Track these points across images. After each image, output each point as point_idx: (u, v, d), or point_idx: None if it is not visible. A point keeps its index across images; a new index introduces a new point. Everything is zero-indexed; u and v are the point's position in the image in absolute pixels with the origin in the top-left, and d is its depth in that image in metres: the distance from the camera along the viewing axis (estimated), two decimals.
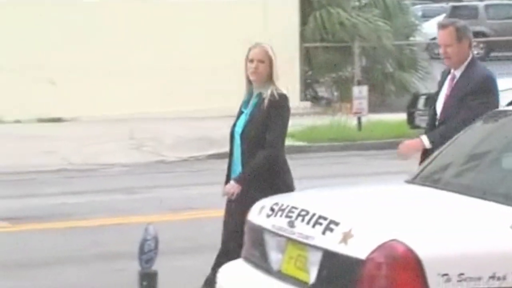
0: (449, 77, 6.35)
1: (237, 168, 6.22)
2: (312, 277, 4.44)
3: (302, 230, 4.53)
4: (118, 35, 18.95)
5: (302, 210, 4.64)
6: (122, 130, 17.11)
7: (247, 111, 6.22)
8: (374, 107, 18.59)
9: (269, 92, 6.10)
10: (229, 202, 6.18)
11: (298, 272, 4.55)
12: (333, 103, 21.04)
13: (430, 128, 6.40)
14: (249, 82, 6.22)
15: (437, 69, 22.36)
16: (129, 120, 17.99)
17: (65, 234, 9.63)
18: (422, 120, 13.93)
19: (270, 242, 4.79)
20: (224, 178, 6.32)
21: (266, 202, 4.99)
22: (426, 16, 31.32)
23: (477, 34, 29.39)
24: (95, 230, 9.76)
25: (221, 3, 19.66)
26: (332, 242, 4.32)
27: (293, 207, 4.73)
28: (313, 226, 4.48)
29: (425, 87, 19.77)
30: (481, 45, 30.64)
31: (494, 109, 5.94)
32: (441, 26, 6.32)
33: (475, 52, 31.07)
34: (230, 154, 6.33)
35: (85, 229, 9.84)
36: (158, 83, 19.10)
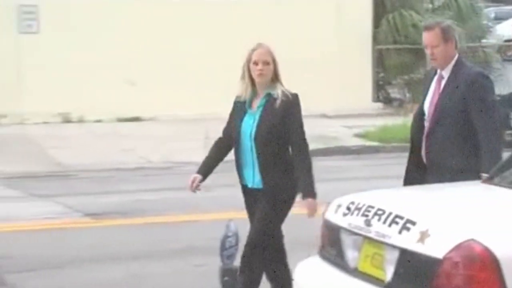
0: (436, 77, 6.17)
1: (249, 172, 6.07)
2: (388, 275, 4.41)
3: (378, 229, 4.51)
4: (195, 36, 19.04)
5: (379, 209, 4.61)
6: (197, 130, 17.21)
7: (254, 112, 6.03)
8: None
9: (279, 92, 5.97)
10: (247, 194, 6.15)
11: (374, 270, 4.53)
12: (405, 104, 20.90)
13: (417, 128, 6.17)
14: (251, 83, 6.05)
15: (510, 71, 22.11)
16: (205, 119, 18.06)
17: (143, 230, 9.72)
18: None
19: (347, 240, 4.77)
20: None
21: (343, 201, 4.97)
22: (499, 18, 30.85)
23: None
24: (172, 226, 9.84)
25: (294, 4, 19.63)
26: (409, 241, 4.28)
27: (369, 206, 4.70)
28: (390, 225, 4.45)
29: (498, 89, 19.39)
30: None
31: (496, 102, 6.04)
32: (427, 27, 6.15)
33: None
34: (238, 156, 6.11)
35: (162, 225, 9.92)
36: (233, 82, 19.14)
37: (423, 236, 4.21)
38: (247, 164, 6.04)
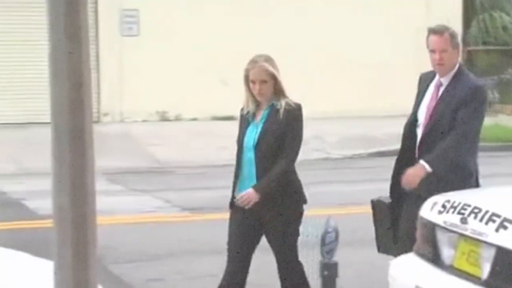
0: (434, 84, 5.84)
1: (249, 183, 5.62)
2: (484, 273, 4.33)
3: (475, 226, 4.43)
4: (284, 36, 19.03)
5: (475, 207, 4.53)
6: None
7: (257, 122, 5.64)
8: None
9: (283, 102, 5.57)
10: (236, 210, 5.68)
11: (471, 267, 4.45)
12: (494, 105, 20.56)
13: (409, 135, 5.86)
14: (252, 97, 5.67)
15: None
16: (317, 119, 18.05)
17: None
18: None
19: (442, 238, 4.69)
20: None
21: (438, 199, 4.89)
22: None
23: None
24: None
25: (382, 7, 19.44)
26: (506, 240, 4.19)
27: (465, 204, 4.62)
28: (486, 223, 4.37)
29: None
30: None
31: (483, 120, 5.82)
32: (437, 31, 5.77)
33: None
34: (238, 168, 5.72)
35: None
36: (324, 81, 19.07)
37: None
38: (246, 177, 5.65)
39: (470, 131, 5.70)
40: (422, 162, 5.59)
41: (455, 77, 5.75)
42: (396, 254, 5.49)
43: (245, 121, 5.69)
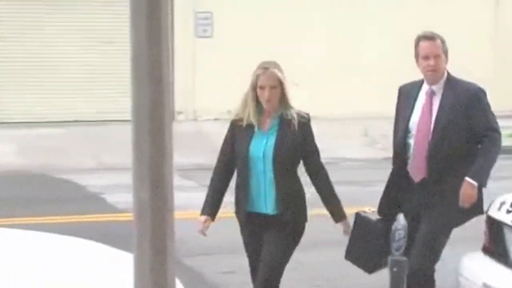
0: (424, 93, 5.58)
1: (260, 197, 5.32)
2: None
3: None
4: (351, 40, 18.91)
5: None
6: (357, 128, 17.11)
7: (266, 133, 5.30)
8: None
9: (293, 113, 5.30)
10: (249, 224, 5.46)
11: None
12: None
13: (402, 147, 5.60)
14: (257, 106, 5.32)
15: None
16: (364, 118, 17.94)
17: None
18: None
19: (510, 237, 4.59)
20: None
21: (507, 198, 4.79)
22: None
23: None
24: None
25: (451, 8, 19.18)
26: None
27: None
28: None
29: None
30: None
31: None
32: (429, 37, 5.54)
33: None
34: (244, 180, 5.34)
35: (321, 218, 9.86)
36: (390, 81, 18.90)
37: None
38: (257, 189, 5.33)
39: (496, 132, 5.50)
40: (468, 180, 5.35)
41: (447, 83, 5.54)
42: (369, 267, 5.49)
43: (244, 132, 5.30)
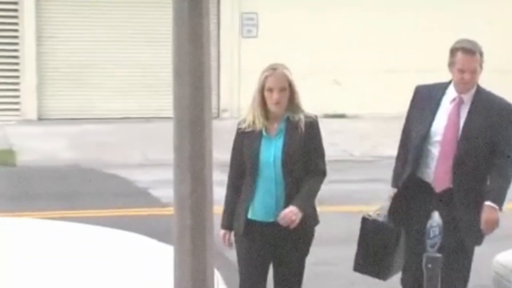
0: (450, 100, 5.26)
1: (270, 204, 4.91)
2: None
3: None
4: (392, 32, 18.79)
5: None
6: (397, 127, 17.00)
7: (273, 137, 4.92)
8: None
9: (301, 115, 4.90)
10: (250, 237, 4.95)
11: None
12: None
13: (418, 150, 5.26)
14: (264, 109, 4.92)
15: None
16: (404, 117, 17.83)
17: (339, 217, 9.68)
18: None
19: None
20: None
21: None
22: None
23: None
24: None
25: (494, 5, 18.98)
26: None
27: None
28: None
29: None
30: None
31: None
32: (469, 51, 5.18)
33: None
34: (254, 190, 4.94)
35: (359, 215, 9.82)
36: (431, 80, 18.76)
37: None
38: (267, 196, 4.93)
39: None
40: (489, 204, 5.07)
41: (477, 94, 5.23)
42: (384, 273, 5.26)
43: (252, 137, 4.93)
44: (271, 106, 4.86)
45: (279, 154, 4.85)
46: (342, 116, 18.97)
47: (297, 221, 4.74)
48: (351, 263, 7.39)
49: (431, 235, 4.06)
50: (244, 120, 5.00)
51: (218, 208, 10.55)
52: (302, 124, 4.84)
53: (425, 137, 5.22)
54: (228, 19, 18.51)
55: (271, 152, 4.88)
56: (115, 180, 12.19)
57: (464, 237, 5.04)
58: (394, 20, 18.87)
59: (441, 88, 5.35)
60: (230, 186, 5.14)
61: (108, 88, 17.93)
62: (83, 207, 9.95)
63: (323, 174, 4.95)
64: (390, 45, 18.86)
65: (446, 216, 4.74)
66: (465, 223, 5.05)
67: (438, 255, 4.11)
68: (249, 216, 4.92)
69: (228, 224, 5.08)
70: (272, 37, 18.45)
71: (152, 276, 4.10)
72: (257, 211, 4.92)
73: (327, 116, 18.63)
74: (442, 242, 4.46)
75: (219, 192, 11.37)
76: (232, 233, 5.02)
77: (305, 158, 4.85)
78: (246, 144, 4.95)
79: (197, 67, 2.46)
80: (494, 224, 5.06)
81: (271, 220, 4.86)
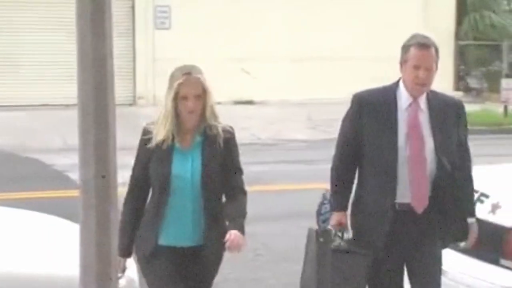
0: (407, 105, 4.25)
1: (187, 227, 4.02)
2: None
3: None
4: (303, 23, 18.96)
5: None
6: (301, 112, 17.20)
7: (188, 151, 4.06)
8: None
9: (219, 128, 4.07)
10: (161, 259, 4.03)
11: None
12: (483, 93, 20.50)
13: (393, 171, 4.17)
14: (176, 118, 4.06)
15: None
16: (308, 103, 18.06)
17: (254, 197, 9.75)
18: None
19: None
20: None
21: None
22: None
23: None
24: (279, 194, 9.86)
25: (384, 5, 19.32)
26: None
27: None
28: None
29: None
30: None
31: None
32: (424, 45, 4.23)
33: None
34: (161, 209, 4.01)
35: (269, 193, 9.95)
36: (331, 71, 19.02)
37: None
38: (183, 218, 4.03)
39: (469, 150, 4.47)
40: (473, 221, 4.30)
41: (429, 95, 4.31)
42: None
43: (160, 149, 4.03)
44: (185, 116, 4.03)
45: (197, 169, 4.02)
46: (250, 102, 19.08)
47: (244, 246, 4.00)
48: (263, 238, 7.49)
49: (323, 211, 4.12)
50: (149, 131, 4.10)
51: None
52: (220, 139, 4.06)
53: (395, 154, 4.18)
54: (142, 12, 18.36)
55: (187, 168, 4.03)
56: (36, 164, 11.99)
57: (439, 246, 4.30)
58: (304, 10, 19.01)
59: (390, 94, 4.31)
60: (128, 203, 4.10)
61: (29, 76, 17.58)
62: (4, 190, 9.75)
63: (245, 193, 4.20)
64: (297, 35, 19.01)
65: (424, 229, 4.18)
66: (441, 233, 4.27)
67: (329, 228, 4.17)
68: (160, 241, 4.04)
69: (125, 252, 4.06)
70: (185, 28, 18.40)
71: (60, 252, 4.10)
72: (171, 235, 4.04)
73: (236, 102, 18.73)
74: (416, 254, 4.11)
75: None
76: (123, 261, 4.07)
77: (223, 175, 4.07)
78: (154, 158, 4.04)
79: (99, 58, 2.45)
80: (476, 239, 4.33)
81: (189, 245, 4.04)
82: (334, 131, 17.07)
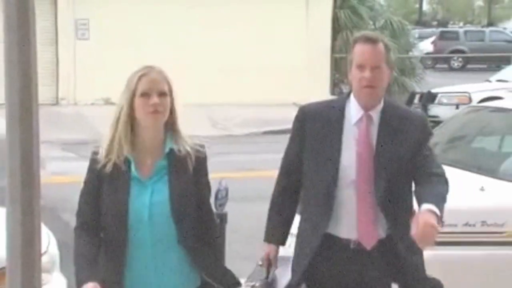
0: (357, 119, 3.11)
1: (164, 274, 2.76)
2: None
3: None
4: (204, 27, 18.89)
5: None
6: (203, 112, 17.20)
7: (147, 179, 2.77)
8: None
9: (187, 146, 2.85)
10: None
11: None
12: None
13: (328, 198, 3.04)
14: (130, 132, 2.78)
15: (429, 76, 22.32)
16: (209, 105, 18.05)
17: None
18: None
19: None
20: None
21: None
22: (421, 37, 31.39)
23: (458, 51, 31.52)
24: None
25: (270, 23, 19.52)
26: None
27: None
28: None
29: (419, 88, 19.97)
30: (460, 59, 31.40)
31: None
32: (368, 39, 3.12)
33: (455, 64, 31.64)
34: (120, 256, 2.73)
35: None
36: (232, 76, 19.09)
37: None
38: (142, 266, 2.76)
39: (445, 175, 3.08)
40: (430, 207, 2.84)
41: (386, 107, 3.14)
42: None
43: (114, 177, 2.75)
44: (147, 118, 2.72)
45: (163, 205, 2.73)
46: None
47: None
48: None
49: (219, 196, 4.14)
50: (97, 152, 2.84)
51: (61, 178, 10.24)
52: (192, 160, 2.80)
53: (334, 179, 3.05)
54: (64, 24, 18.11)
55: (145, 203, 2.73)
56: None
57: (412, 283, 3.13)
58: (209, 13, 18.87)
59: (337, 106, 3.21)
60: (79, 237, 2.83)
61: None
62: None
63: (215, 221, 3.05)
64: (200, 38, 18.89)
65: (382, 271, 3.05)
66: (410, 268, 3.10)
67: (225, 212, 4.19)
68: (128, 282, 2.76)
69: (87, 281, 2.71)
70: (103, 39, 18.17)
71: None
72: (141, 277, 2.77)
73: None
74: None
75: (62, 166, 11.08)
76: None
77: (193, 201, 2.82)
78: (107, 189, 2.77)
79: (25, 60, 2.44)
80: (430, 229, 2.79)
81: None
82: (231, 127, 17.31)
